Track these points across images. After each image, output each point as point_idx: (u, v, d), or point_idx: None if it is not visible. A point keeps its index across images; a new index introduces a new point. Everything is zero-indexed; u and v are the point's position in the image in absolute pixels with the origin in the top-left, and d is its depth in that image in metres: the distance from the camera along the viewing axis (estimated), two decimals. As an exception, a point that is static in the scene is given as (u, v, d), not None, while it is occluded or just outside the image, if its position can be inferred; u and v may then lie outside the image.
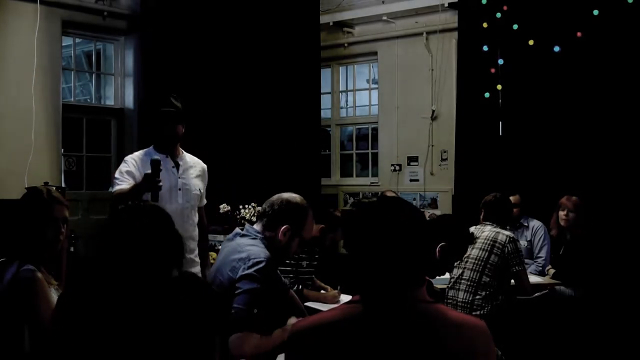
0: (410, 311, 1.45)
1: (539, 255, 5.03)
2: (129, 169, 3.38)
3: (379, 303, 1.44)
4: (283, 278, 3.94)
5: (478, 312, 3.73)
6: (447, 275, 3.89)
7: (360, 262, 1.48)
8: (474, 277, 3.81)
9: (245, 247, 2.51)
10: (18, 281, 2.22)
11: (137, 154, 3.49)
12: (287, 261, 3.98)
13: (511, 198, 5.12)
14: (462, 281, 3.84)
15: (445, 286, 4.00)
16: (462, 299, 3.82)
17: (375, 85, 7.55)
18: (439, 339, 1.41)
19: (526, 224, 5.12)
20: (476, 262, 3.81)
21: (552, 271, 4.68)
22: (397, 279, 1.45)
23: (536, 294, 4.10)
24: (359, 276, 1.49)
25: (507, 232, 3.91)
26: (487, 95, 5.98)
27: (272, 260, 2.50)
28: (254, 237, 2.58)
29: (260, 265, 2.43)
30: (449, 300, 3.83)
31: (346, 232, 1.54)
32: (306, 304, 3.82)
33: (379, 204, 1.56)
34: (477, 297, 3.78)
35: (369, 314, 1.44)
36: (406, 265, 1.46)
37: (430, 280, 2.67)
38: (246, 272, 2.42)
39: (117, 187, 3.30)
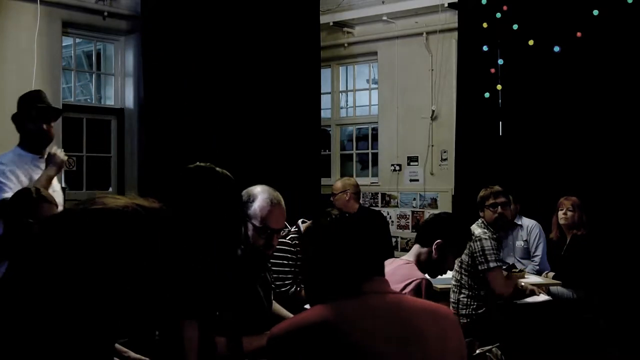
0: (382, 301, 1.53)
1: (535, 254, 5.03)
2: (11, 170, 3.13)
3: (346, 298, 1.53)
4: (275, 284, 3.89)
5: (464, 311, 3.80)
6: (449, 274, 3.90)
7: (323, 269, 1.62)
8: (457, 277, 3.91)
9: None
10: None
11: (6, 158, 3.22)
12: (285, 262, 3.98)
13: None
14: (452, 281, 3.92)
15: (445, 286, 4.00)
16: (453, 299, 3.92)
17: (375, 85, 7.54)
18: (417, 324, 1.50)
19: (520, 224, 5.12)
20: (458, 262, 3.85)
21: (551, 274, 4.68)
22: (351, 275, 1.58)
23: (536, 300, 4.02)
24: (321, 280, 1.62)
25: (478, 230, 3.89)
26: (487, 95, 5.98)
27: (244, 260, 2.41)
28: None
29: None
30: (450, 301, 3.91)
31: (307, 248, 1.69)
32: (306, 306, 3.81)
33: (320, 224, 1.74)
34: (462, 295, 3.87)
35: (342, 309, 1.50)
36: (354, 263, 1.60)
37: (430, 279, 2.65)
38: None
39: (8, 192, 3.00)
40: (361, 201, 7.21)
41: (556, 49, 5.60)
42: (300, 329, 1.49)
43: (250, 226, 2.42)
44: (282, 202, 2.49)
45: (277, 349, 1.50)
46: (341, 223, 1.70)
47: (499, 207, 3.94)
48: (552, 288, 4.46)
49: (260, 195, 2.47)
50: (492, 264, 3.74)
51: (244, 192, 2.50)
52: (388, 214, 7.09)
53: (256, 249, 2.45)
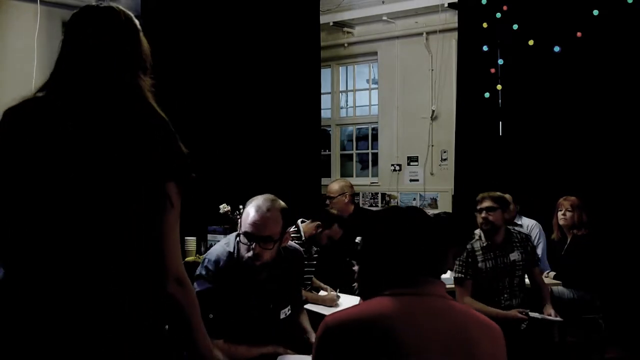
0: (438, 304, 1.49)
1: (535, 254, 5.03)
2: None
3: (403, 295, 1.49)
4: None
5: None
6: (449, 274, 3.89)
7: (388, 259, 1.56)
8: None
9: (214, 246, 2.48)
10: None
11: None
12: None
13: None
14: None
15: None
16: None
17: (375, 85, 7.54)
18: (471, 333, 1.47)
19: (520, 223, 5.13)
20: None
21: (552, 274, 4.69)
22: (433, 271, 1.56)
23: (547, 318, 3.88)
24: (382, 272, 1.56)
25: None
26: (487, 95, 5.98)
27: (230, 258, 2.40)
28: (232, 233, 2.55)
29: (210, 264, 2.37)
30: None
31: (376, 234, 1.62)
32: (305, 306, 3.81)
33: (396, 210, 1.74)
34: None
35: (399, 306, 1.46)
36: (426, 258, 1.57)
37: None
38: (197, 272, 2.38)
39: None
40: (361, 201, 7.24)
41: (556, 49, 5.59)
42: (354, 321, 1.45)
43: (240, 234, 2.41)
44: (273, 211, 2.38)
45: (329, 338, 1.45)
46: (413, 216, 1.63)
47: (484, 212, 3.78)
48: (553, 288, 4.46)
49: (254, 201, 2.41)
50: (457, 274, 3.76)
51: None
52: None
53: (241, 260, 2.40)
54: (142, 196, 1.46)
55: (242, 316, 2.42)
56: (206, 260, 2.40)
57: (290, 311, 2.63)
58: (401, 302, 1.47)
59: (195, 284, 2.35)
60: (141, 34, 1.63)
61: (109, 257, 1.44)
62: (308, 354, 2.50)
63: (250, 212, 2.38)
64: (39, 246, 1.43)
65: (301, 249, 2.85)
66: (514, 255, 3.84)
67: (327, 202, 5.07)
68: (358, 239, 4.73)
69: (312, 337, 2.61)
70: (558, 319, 3.77)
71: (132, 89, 1.54)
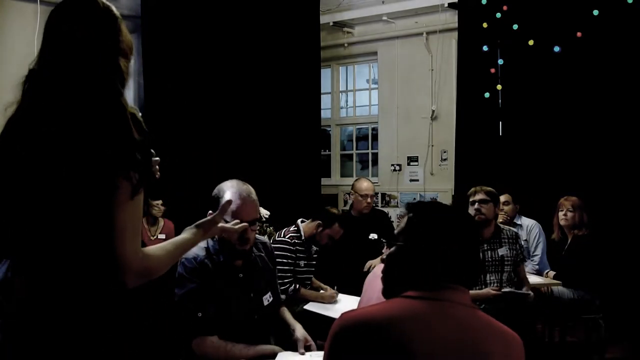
0: (456, 312, 1.46)
1: (535, 254, 5.03)
2: None
3: (423, 299, 1.46)
4: (284, 285, 3.87)
5: None
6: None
7: (433, 258, 1.49)
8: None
9: None
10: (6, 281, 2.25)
11: None
12: (285, 260, 3.98)
13: (501, 197, 5.13)
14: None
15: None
16: None
17: (375, 85, 7.55)
18: (484, 344, 1.44)
19: (520, 223, 5.13)
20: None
21: (552, 273, 4.69)
22: (461, 278, 1.50)
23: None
24: (411, 272, 1.50)
25: None
26: (487, 95, 5.98)
27: (206, 254, 2.44)
28: None
29: (187, 261, 2.39)
30: None
31: (417, 225, 1.54)
32: (305, 307, 3.81)
33: (444, 206, 1.69)
34: None
35: (415, 311, 1.44)
36: (467, 265, 1.52)
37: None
38: (176, 274, 2.40)
39: None
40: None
41: (556, 49, 5.60)
42: (369, 320, 1.42)
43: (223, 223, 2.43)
44: (253, 194, 2.47)
45: (342, 334, 1.43)
46: (462, 219, 1.59)
47: (476, 203, 3.88)
48: (553, 288, 4.46)
49: (229, 190, 2.46)
50: None
51: (215, 189, 2.52)
52: (388, 213, 7.10)
53: (232, 247, 2.44)
54: (89, 195, 1.47)
55: (228, 308, 2.44)
56: (183, 259, 2.41)
57: (272, 298, 2.66)
58: (419, 306, 1.45)
59: (175, 289, 2.38)
60: (119, 21, 1.64)
61: (58, 256, 1.48)
62: (295, 348, 2.52)
63: (234, 199, 2.43)
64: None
65: (266, 240, 2.87)
66: (502, 251, 3.88)
67: (369, 200, 5.07)
68: (372, 236, 4.71)
69: (297, 329, 2.63)
70: (529, 292, 3.84)
71: (104, 86, 1.56)
